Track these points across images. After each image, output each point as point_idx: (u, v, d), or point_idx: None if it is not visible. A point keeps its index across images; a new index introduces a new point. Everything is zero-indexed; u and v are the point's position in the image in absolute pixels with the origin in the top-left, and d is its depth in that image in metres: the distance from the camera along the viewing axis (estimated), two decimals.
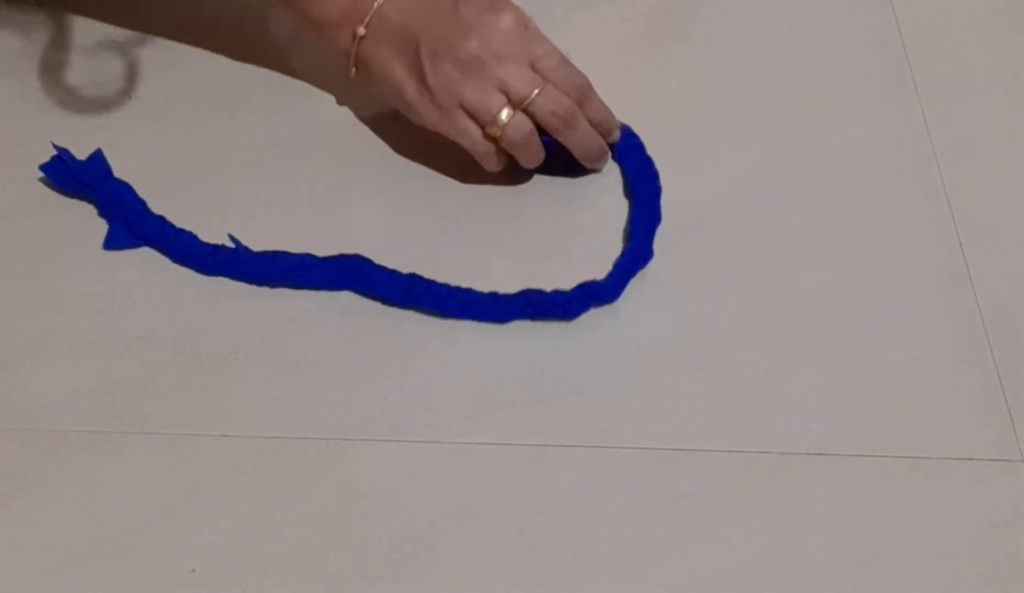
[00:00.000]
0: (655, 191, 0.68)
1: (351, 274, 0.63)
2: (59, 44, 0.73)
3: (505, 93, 0.64)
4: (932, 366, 0.63)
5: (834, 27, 0.81)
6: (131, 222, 0.64)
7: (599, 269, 0.64)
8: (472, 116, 0.65)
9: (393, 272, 0.63)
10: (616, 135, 0.69)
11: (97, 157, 0.66)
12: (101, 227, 0.65)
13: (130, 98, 0.71)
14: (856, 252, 0.68)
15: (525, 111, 0.64)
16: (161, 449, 0.57)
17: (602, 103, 0.68)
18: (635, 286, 0.65)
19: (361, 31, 0.66)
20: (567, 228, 0.68)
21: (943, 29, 0.82)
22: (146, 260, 0.64)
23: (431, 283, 0.63)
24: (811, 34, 0.81)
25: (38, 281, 0.63)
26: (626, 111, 0.72)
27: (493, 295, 0.63)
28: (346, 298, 0.63)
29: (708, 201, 0.69)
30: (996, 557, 0.56)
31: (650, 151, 0.71)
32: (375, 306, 0.63)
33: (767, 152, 0.73)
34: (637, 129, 0.71)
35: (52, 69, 0.72)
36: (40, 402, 0.58)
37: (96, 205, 0.65)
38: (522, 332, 0.62)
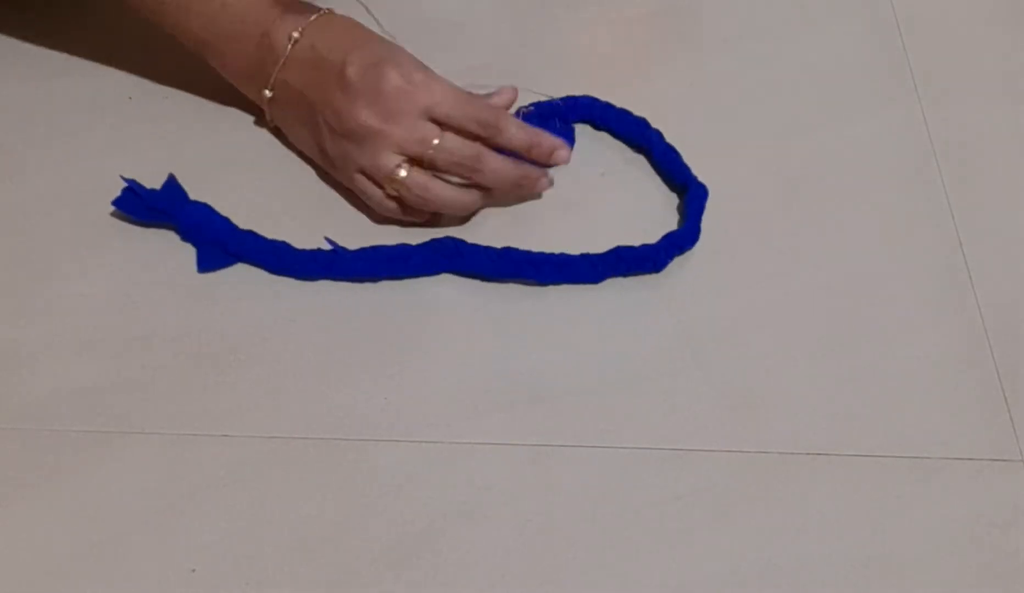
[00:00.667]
0: (669, 148, 0.70)
1: (449, 256, 0.64)
2: None
3: (403, 152, 0.62)
4: (932, 366, 0.63)
5: (834, 27, 0.81)
6: (222, 241, 0.64)
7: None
8: (371, 179, 0.64)
9: (487, 248, 0.64)
10: (563, 155, 0.66)
11: (171, 183, 0.65)
12: (186, 251, 0.64)
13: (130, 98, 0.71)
14: (856, 252, 0.68)
15: (429, 167, 0.63)
16: (161, 449, 0.57)
17: (520, 129, 0.64)
18: (635, 287, 0.65)
19: (267, 93, 0.66)
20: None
21: (943, 29, 0.82)
22: (146, 260, 0.64)
23: (527, 252, 0.64)
24: (811, 34, 0.81)
25: (38, 282, 0.63)
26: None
27: (585, 256, 0.64)
28: (347, 299, 0.63)
29: (708, 201, 0.69)
30: (996, 557, 0.56)
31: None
32: (376, 307, 0.63)
33: (767, 152, 0.73)
34: None
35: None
36: (40, 402, 0.58)
37: (177, 230, 0.65)
38: (522, 332, 0.63)
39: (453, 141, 0.63)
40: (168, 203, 0.64)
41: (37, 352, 0.60)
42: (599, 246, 0.65)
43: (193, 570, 0.53)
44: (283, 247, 0.64)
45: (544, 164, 0.66)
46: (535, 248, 0.65)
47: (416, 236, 0.65)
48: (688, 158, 0.71)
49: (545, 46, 0.76)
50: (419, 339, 0.62)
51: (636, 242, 0.65)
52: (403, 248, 0.64)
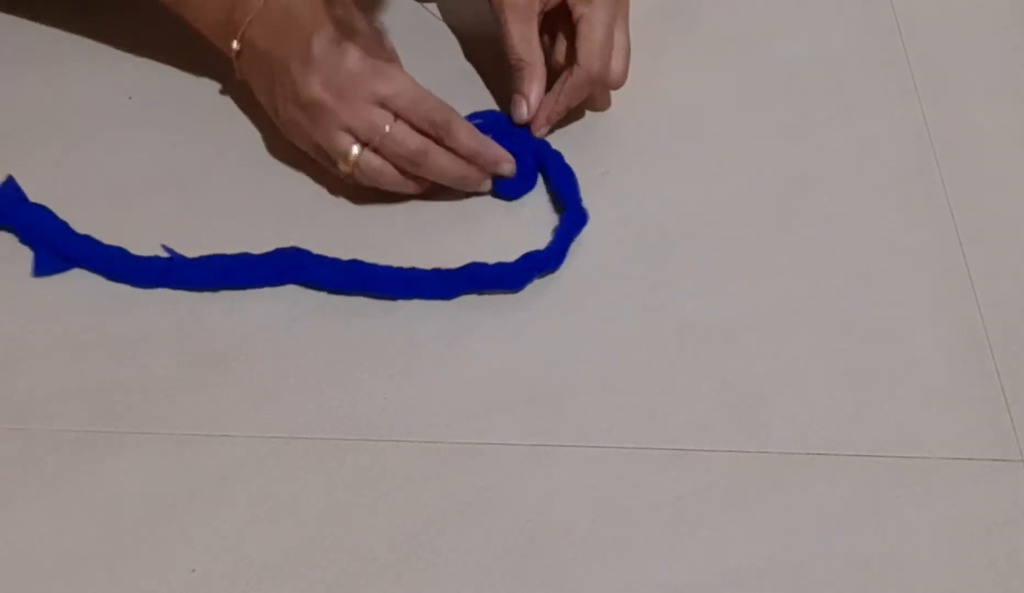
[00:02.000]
0: (565, 168, 0.68)
1: (291, 267, 0.62)
2: None
3: (351, 133, 0.63)
4: (932, 366, 0.63)
5: (834, 27, 0.81)
6: (57, 246, 0.62)
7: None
8: (325, 155, 0.64)
9: (333, 260, 0.63)
10: (507, 168, 0.66)
11: (9, 184, 0.64)
12: (25, 255, 0.63)
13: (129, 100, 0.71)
14: (856, 252, 0.68)
15: (376, 151, 0.63)
16: (161, 449, 0.57)
17: (470, 135, 0.65)
18: (634, 286, 0.65)
19: (235, 45, 0.65)
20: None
21: (943, 29, 0.82)
22: None
23: (373, 266, 0.62)
24: (811, 34, 0.81)
25: (32, 284, 0.63)
26: (627, 111, 0.72)
27: (437, 271, 0.63)
28: (346, 299, 0.63)
29: (707, 201, 0.69)
30: (996, 557, 0.56)
31: (650, 150, 0.71)
32: (375, 307, 0.63)
33: (767, 151, 0.73)
34: (637, 128, 0.71)
35: None
36: (40, 402, 0.58)
37: (15, 233, 0.64)
38: (522, 332, 0.63)
39: (402, 132, 0.63)
40: (6, 205, 0.63)
41: (37, 352, 0.60)
42: (457, 263, 0.64)
43: (193, 570, 0.53)
44: (119, 253, 0.62)
45: (488, 173, 0.67)
46: (389, 262, 0.63)
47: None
48: (687, 157, 0.71)
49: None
50: (419, 339, 0.62)
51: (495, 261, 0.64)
52: (244, 258, 0.62)
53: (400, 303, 0.63)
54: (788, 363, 0.62)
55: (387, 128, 0.62)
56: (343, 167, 0.63)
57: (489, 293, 0.63)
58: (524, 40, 0.68)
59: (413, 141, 0.63)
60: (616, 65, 0.69)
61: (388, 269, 0.63)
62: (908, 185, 0.72)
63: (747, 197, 0.70)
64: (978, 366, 0.63)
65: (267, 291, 0.63)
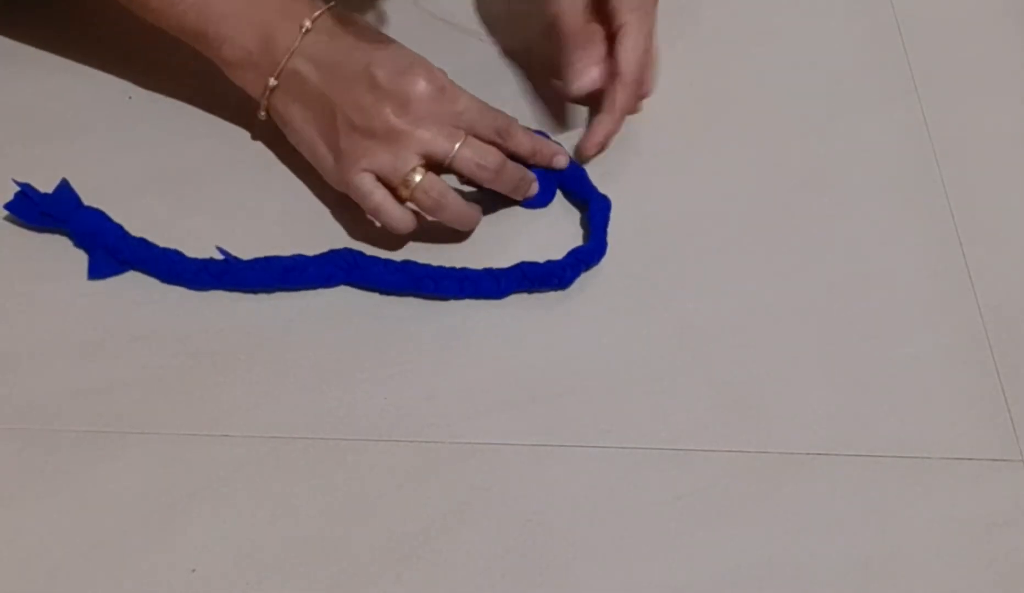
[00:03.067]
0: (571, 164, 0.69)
1: (346, 268, 0.63)
2: None
3: (425, 155, 0.63)
4: (932, 366, 0.63)
5: (834, 27, 0.81)
6: (112, 249, 0.62)
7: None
8: (382, 179, 0.63)
9: (387, 261, 0.63)
10: (562, 160, 0.68)
11: (64, 188, 0.64)
12: (80, 258, 0.63)
13: (130, 97, 0.71)
14: (856, 252, 0.68)
15: (450, 168, 0.63)
16: (161, 449, 0.57)
17: (527, 135, 0.66)
18: (634, 286, 0.65)
19: (272, 82, 0.65)
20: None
21: (943, 29, 0.82)
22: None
23: (427, 266, 0.63)
24: (811, 34, 0.81)
25: (33, 284, 0.63)
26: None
27: (489, 271, 0.63)
28: (346, 298, 0.63)
29: (708, 200, 0.69)
30: (996, 557, 0.56)
31: (650, 151, 0.71)
32: (375, 306, 0.63)
33: (767, 151, 0.73)
34: (637, 128, 0.71)
35: None
36: (40, 402, 0.58)
37: (70, 237, 0.64)
38: (522, 331, 0.63)
39: (478, 144, 0.64)
40: (61, 208, 0.63)
41: (37, 352, 0.60)
42: (501, 264, 0.64)
43: (193, 570, 0.53)
44: (174, 256, 0.62)
45: (546, 168, 0.68)
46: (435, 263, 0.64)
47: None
48: (687, 157, 0.71)
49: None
50: (419, 339, 0.62)
51: (539, 259, 0.64)
52: (298, 259, 0.63)
53: (399, 303, 0.63)
54: (788, 363, 0.62)
55: (458, 145, 0.63)
56: (403, 191, 0.63)
57: (537, 291, 0.64)
58: (590, 79, 0.69)
59: (492, 152, 0.64)
60: (651, 75, 0.70)
61: (442, 269, 0.63)
62: (908, 185, 0.72)
63: (747, 197, 0.70)
64: (978, 366, 0.63)
65: (266, 292, 0.63)
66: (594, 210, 0.67)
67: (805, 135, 0.74)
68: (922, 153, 0.73)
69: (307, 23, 0.64)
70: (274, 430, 0.58)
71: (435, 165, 0.63)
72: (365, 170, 0.63)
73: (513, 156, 0.66)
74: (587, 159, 0.70)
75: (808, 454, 0.59)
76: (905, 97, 0.77)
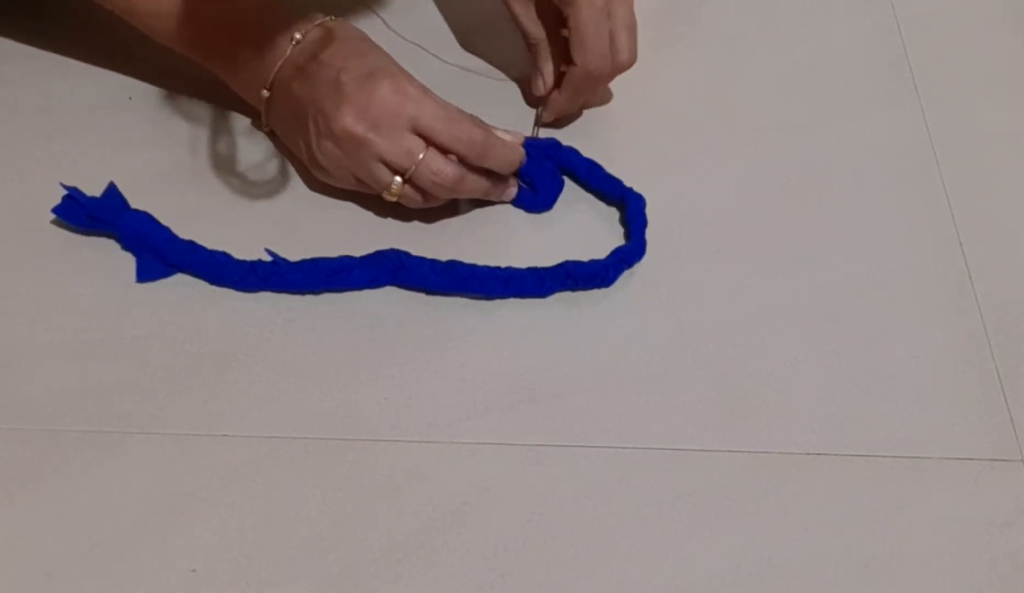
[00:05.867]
0: (591, 165, 0.69)
1: (391, 269, 0.63)
2: None
3: (384, 164, 0.63)
4: (932, 366, 0.63)
5: (834, 27, 0.81)
6: (160, 251, 0.63)
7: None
8: (361, 182, 0.64)
9: (432, 261, 0.63)
10: (512, 192, 0.68)
11: (111, 191, 0.64)
12: (127, 260, 0.64)
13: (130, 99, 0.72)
14: (856, 252, 0.68)
15: (408, 182, 0.63)
16: (161, 449, 0.57)
17: (503, 149, 0.65)
18: (635, 286, 0.65)
19: (265, 93, 0.66)
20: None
21: (943, 29, 0.82)
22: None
23: (472, 266, 0.63)
24: (811, 34, 0.81)
25: (38, 282, 0.63)
26: (627, 111, 0.72)
27: (533, 270, 0.64)
28: (346, 298, 0.63)
29: (708, 200, 0.70)
30: (996, 557, 0.56)
31: (649, 151, 0.71)
32: (375, 307, 0.63)
33: (767, 151, 0.73)
34: (638, 128, 0.71)
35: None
36: (40, 402, 0.58)
37: (117, 239, 0.64)
38: (522, 332, 0.63)
39: (436, 161, 0.63)
40: (108, 212, 0.63)
41: (37, 352, 0.60)
42: (542, 263, 0.64)
43: (193, 570, 0.53)
44: (222, 258, 0.63)
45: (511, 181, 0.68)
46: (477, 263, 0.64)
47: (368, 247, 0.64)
48: (687, 157, 0.71)
49: None
50: (419, 339, 0.62)
51: (583, 258, 0.64)
52: (345, 260, 0.63)
53: (399, 303, 0.63)
54: (788, 363, 0.62)
55: (420, 156, 0.62)
56: (388, 197, 0.64)
57: (580, 290, 0.64)
58: (528, 19, 0.70)
59: (449, 169, 0.63)
60: (622, 45, 0.69)
61: (486, 269, 0.63)
62: (908, 185, 0.72)
63: (746, 197, 0.70)
64: (978, 366, 0.63)
65: (266, 292, 0.63)
66: (631, 210, 0.67)
67: (804, 135, 0.74)
68: (922, 153, 0.73)
69: (298, 35, 0.64)
70: (274, 430, 0.58)
71: (401, 173, 0.63)
72: (351, 177, 0.64)
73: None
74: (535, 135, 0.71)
75: (808, 454, 0.59)
76: (905, 97, 0.77)
